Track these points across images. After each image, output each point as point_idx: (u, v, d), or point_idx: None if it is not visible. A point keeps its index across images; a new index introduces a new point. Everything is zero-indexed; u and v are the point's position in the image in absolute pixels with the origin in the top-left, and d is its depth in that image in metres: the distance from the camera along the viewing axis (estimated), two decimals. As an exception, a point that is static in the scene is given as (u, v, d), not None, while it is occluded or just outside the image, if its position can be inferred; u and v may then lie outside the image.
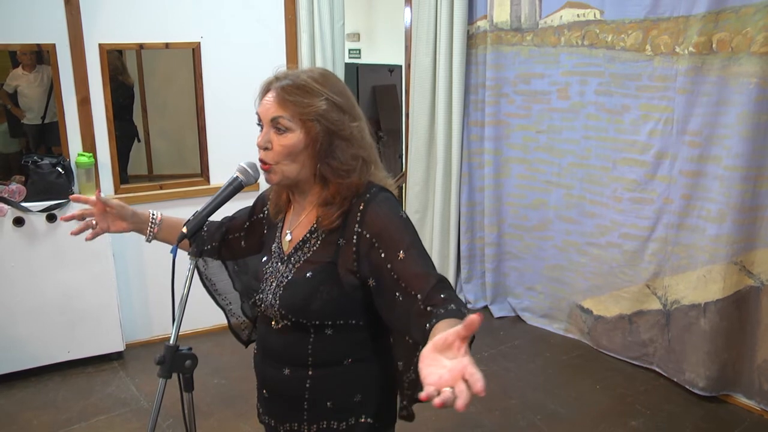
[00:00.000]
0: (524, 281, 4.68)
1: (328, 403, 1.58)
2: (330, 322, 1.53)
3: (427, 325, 1.28)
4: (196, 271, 1.86)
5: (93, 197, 1.84)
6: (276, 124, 1.49)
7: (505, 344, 4.33)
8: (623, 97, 3.83)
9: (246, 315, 1.96)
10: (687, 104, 3.50)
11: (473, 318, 0.99)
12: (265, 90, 1.53)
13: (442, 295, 1.34)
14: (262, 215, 1.79)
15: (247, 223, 1.83)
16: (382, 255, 1.43)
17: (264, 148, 1.52)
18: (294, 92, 1.48)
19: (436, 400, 0.94)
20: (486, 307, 4.86)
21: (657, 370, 3.90)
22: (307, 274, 1.51)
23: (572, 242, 4.30)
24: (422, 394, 0.96)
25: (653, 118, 3.70)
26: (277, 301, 1.54)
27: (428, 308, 1.33)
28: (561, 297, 4.45)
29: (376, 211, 1.48)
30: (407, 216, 1.51)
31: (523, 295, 4.71)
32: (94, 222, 1.86)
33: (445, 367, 1.01)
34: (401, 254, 1.41)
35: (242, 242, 1.85)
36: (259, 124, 1.54)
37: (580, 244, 4.24)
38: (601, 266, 4.11)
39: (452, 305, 1.31)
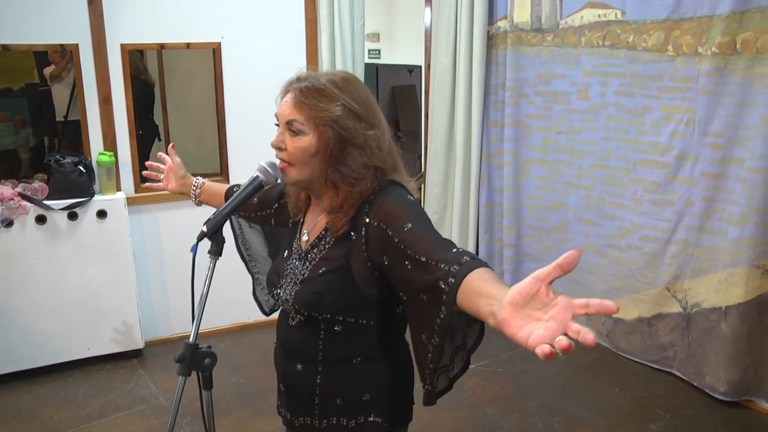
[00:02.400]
0: None
1: (338, 400, 1.59)
2: (340, 318, 1.53)
3: (447, 283, 1.20)
4: (236, 237, 2.00)
5: (168, 157, 2.08)
6: (290, 126, 1.51)
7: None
8: (644, 98, 3.78)
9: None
10: (709, 105, 3.46)
11: (572, 254, 0.89)
12: (285, 90, 1.54)
13: (453, 250, 1.27)
14: (284, 201, 1.82)
15: (277, 204, 1.87)
16: (389, 233, 1.41)
17: (278, 148, 1.54)
18: (311, 95, 1.48)
19: (558, 350, 0.89)
20: None
21: (677, 373, 3.86)
22: (320, 270, 1.54)
23: (591, 244, 4.24)
24: (539, 351, 0.89)
25: (675, 119, 3.65)
26: (292, 297, 1.57)
27: (441, 265, 1.25)
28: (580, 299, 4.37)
29: (383, 199, 1.48)
30: (417, 201, 1.49)
31: None
32: (161, 175, 2.10)
33: (543, 319, 0.94)
34: (408, 226, 1.38)
35: (272, 220, 1.90)
36: (277, 125, 1.55)
37: (600, 246, 4.20)
38: (621, 268, 4.07)
39: (465, 257, 1.23)
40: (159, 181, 2.13)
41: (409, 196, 1.49)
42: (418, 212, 1.43)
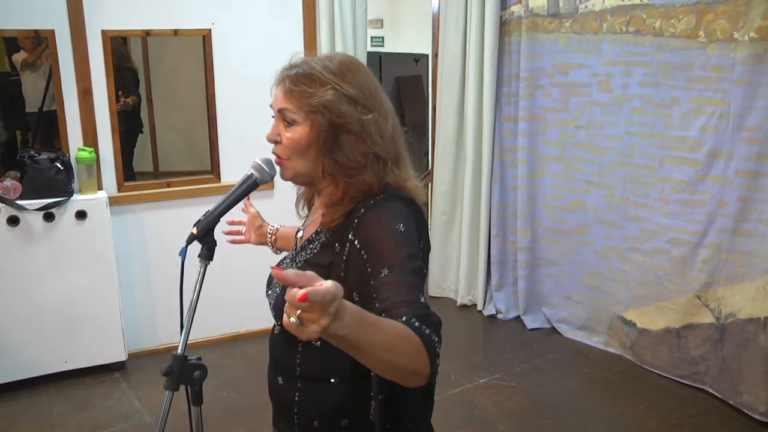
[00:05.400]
0: (560, 290, 4.63)
1: (315, 423, 1.57)
2: None
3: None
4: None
5: (248, 213, 2.10)
6: (283, 116, 1.51)
7: (539, 358, 4.29)
8: (672, 89, 3.77)
9: None
10: (745, 96, 3.42)
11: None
12: (278, 80, 1.54)
13: (413, 321, 1.25)
14: None
15: None
16: (369, 270, 1.39)
17: (273, 141, 1.54)
18: (300, 82, 1.48)
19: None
20: (518, 318, 4.83)
21: (709, 390, 3.80)
22: None
23: (613, 248, 4.24)
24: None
25: (706, 111, 3.63)
26: (273, 301, 1.58)
27: (396, 310, 1.29)
28: (601, 307, 4.39)
29: (371, 219, 1.44)
30: (409, 229, 1.44)
31: (559, 304, 4.66)
32: (243, 229, 2.13)
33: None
34: (384, 272, 1.36)
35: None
36: (273, 116, 1.56)
37: (623, 249, 4.18)
38: (646, 274, 4.05)
39: (422, 324, 1.25)
40: (241, 234, 2.14)
41: (399, 223, 1.43)
42: (404, 249, 1.40)
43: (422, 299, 1.33)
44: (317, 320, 1.02)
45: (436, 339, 1.25)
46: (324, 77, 1.47)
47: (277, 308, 1.54)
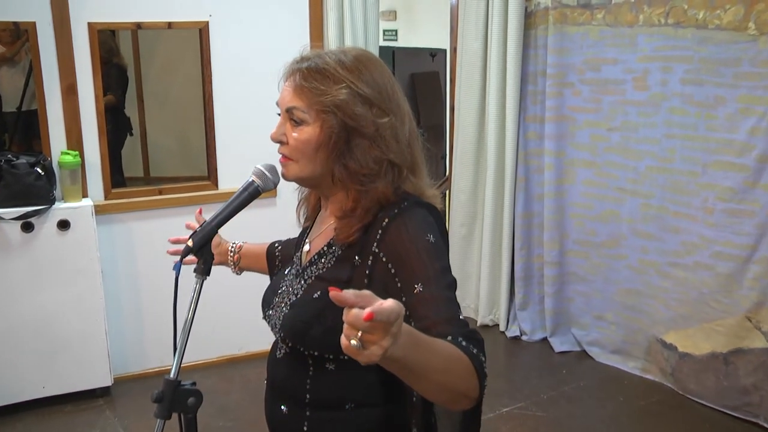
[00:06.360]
0: (592, 309, 4.59)
1: None
2: (331, 356, 1.51)
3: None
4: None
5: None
6: (291, 115, 1.51)
7: (569, 385, 4.25)
8: (717, 87, 3.74)
9: None
10: None
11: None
12: (287, 74, 1.54)
13: (460, 340, 1.30)
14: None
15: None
16: (399, 285, 1.42)
17: (278, 142, 1.54)
18: (312, 77, 1.48)
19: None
20: (545, 340, 4.80)
21: (763, 424, 3.73)
22: (315, 295, 1.53)
23: (651, 262, 4.20)
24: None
25: (756, 112, 3.59)
26: (280, 322, 1.58)
27: (438, 328, 1.34)
28: (637, 329, 4.35)
29: (399, 230, 1.46)
30: (438, 239, 1.47)
31: (591, 325, 4.62)
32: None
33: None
34: (418, 287, 1.39)
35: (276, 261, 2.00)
36: (279, 114, 1.57)
37: (661, 264, 4.14)
38: (688, 292, 4.01)
39: (468, 343, 1.30)
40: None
41: (429, 234, 1.46)
42: (436, 262, 1.43)
43: (461, 315, 1.37)
44: (379, 341, 1.05)
45: (484, 358, 1.30)
46: (338, 74, 1.47)
47: (288, 328, 1.54)
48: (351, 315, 1.03)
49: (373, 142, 1.48)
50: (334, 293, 1.04)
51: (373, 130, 1.47)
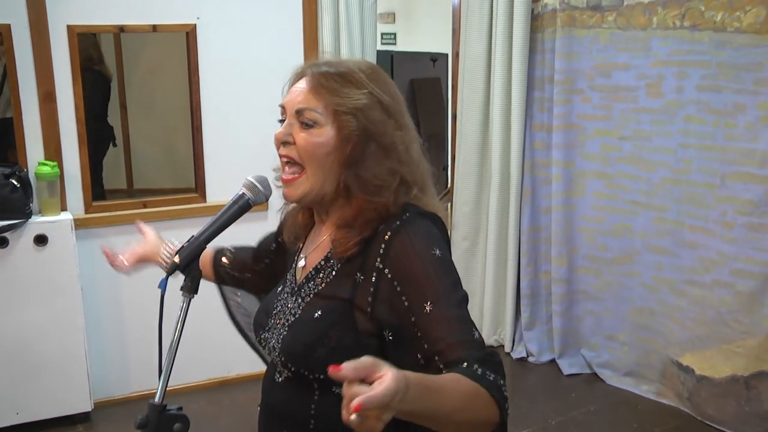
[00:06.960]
0: (603, 329, 4.58)
1: None
2: None
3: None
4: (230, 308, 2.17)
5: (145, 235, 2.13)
6: (301, 117, 1.50)
7: (578, 409, 4.23)
8: (736, 94, 3.73)
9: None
10: None
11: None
12: (298, 76, 1.55)
13: (475, 368, 1.31)
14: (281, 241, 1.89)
15: (274, 245, 1.90)
16: (406, 304, 1.42)
17: (284, 142, 1.53)
18: (332, 79, 1.50)
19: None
20: (553, 362, 4.77)
21: None
22: (316, 314, 1.52)
23: (666, 280, 4.19)
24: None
25: None
26: (279, 345, 1.57)
27: (449, 354, 1.36)
28: (651, 350, 4.33)
29: (404, 245, 1.45)
30: (445, 252, 1.48)
31: (602, 346, 4.60)
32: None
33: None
34: (428, 307, 1.39)
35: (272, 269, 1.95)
36: (280, 121, 1.56)
37: (677, 282, 4.13)
38: (705, 311, 3.98)
39: (484, 369, 1.31)
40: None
41: (435, 248, 1.46)
42: (445, 277, 1.44)
43: (476, 335, 1.37)
44: (380, 416, 1.07)
45: (502, 381, 1.31)
46: (361, 79, 1.49)
47: (288, 352, 1.54)
48: (348, 396, 1.06)
49: (388, 153, 1.49)
50: (332, 371, 1.07)
51: (390, 140, 1.49)
